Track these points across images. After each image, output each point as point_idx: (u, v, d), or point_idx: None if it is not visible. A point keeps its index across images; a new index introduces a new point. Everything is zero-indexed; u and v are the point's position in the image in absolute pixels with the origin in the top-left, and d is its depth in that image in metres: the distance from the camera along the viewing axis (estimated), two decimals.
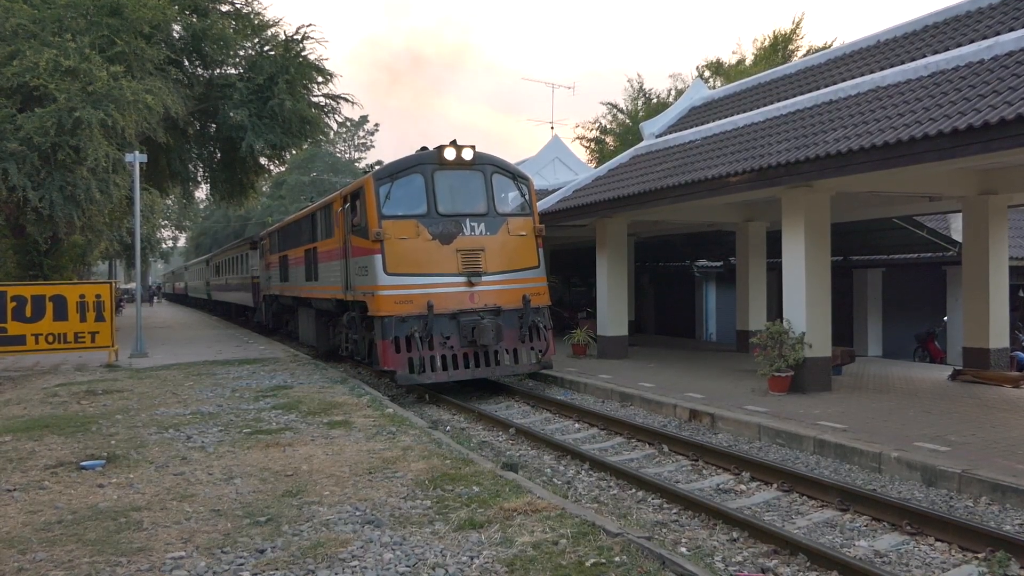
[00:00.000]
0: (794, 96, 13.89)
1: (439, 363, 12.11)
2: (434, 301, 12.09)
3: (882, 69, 12.19)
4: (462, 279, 12.44)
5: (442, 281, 12.33)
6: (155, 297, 69.15)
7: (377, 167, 14.33)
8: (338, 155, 68.94)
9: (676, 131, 17.56)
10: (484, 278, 12.58)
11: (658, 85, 70.71)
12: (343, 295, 14.22)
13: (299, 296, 19.21)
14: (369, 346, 13.43)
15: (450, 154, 12.80)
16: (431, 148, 13.29)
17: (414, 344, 11.98)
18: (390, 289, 12.16)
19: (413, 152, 13.62)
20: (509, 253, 13.00)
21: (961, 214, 13.88)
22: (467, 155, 12.93)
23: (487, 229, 12.85)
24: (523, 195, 13.59)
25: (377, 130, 73.69)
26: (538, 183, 20.46)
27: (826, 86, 13.18)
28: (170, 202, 45.96)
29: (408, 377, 11.96)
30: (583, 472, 8.14)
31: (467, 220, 12.72)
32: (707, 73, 38.91)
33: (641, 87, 40.40)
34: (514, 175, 13.64)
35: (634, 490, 7.42)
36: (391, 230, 12.34)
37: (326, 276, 15.68)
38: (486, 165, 13.22)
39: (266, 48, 23.31)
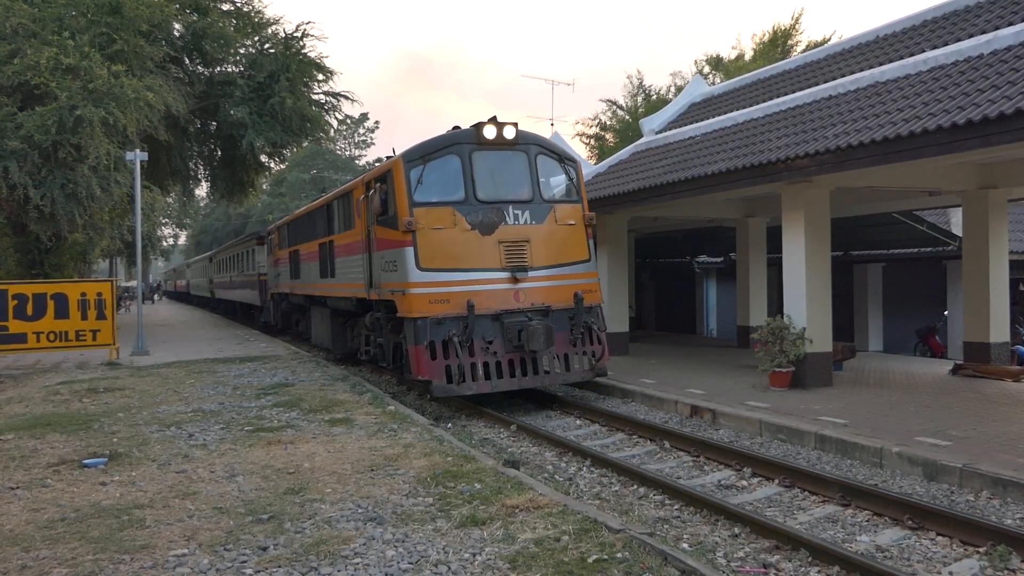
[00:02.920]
0: (793, 92, 13.88)
1: (480, 371, 10.69)
2: (475, 300, 10.66)
3: (881, 64, 12.18)
4: (505, 275, 10.97)
5: (483, 277, 10.89)
6: (156, 295, 69.18)
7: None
8: (338, 153, 69.02)
9: (676, 127, 17.55)
10: (530, 273, 11.11)
11: (658, 81, 70.82)
12: (365, 293, 12.75)
13: (312, 294, 17.65)
14: (395, 351, 12.27)
15: (490, 132, 11.24)
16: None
17: (452, 349, 10.55)
18: (424, 287, 10.69)
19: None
20: (557, 245, 11.50)
21: (961, 209, 13.88)
22: (509, 133, 11.35)
23: (532, 218, 11.34)
24: (571, 179, 12.05)
25: (377, 127, 73.79)
26: None
27: (825, 81, 13.18)
28: (171, 200, 46.02)
29: (446, 388, 10.52)
30: (584, 469, 8.16)
31: (510, 207, 11.20)
32: (706, 68, 38.87)
33: (641, 83, 40.32)
34: (561, 156, 12.10)
35: (636, 486, 7.43)
36: (424, 219, 10.86)
37: (345, 272, 14.28)
38: (530, 145, 11.67)
39: (266, 46, 23.32)
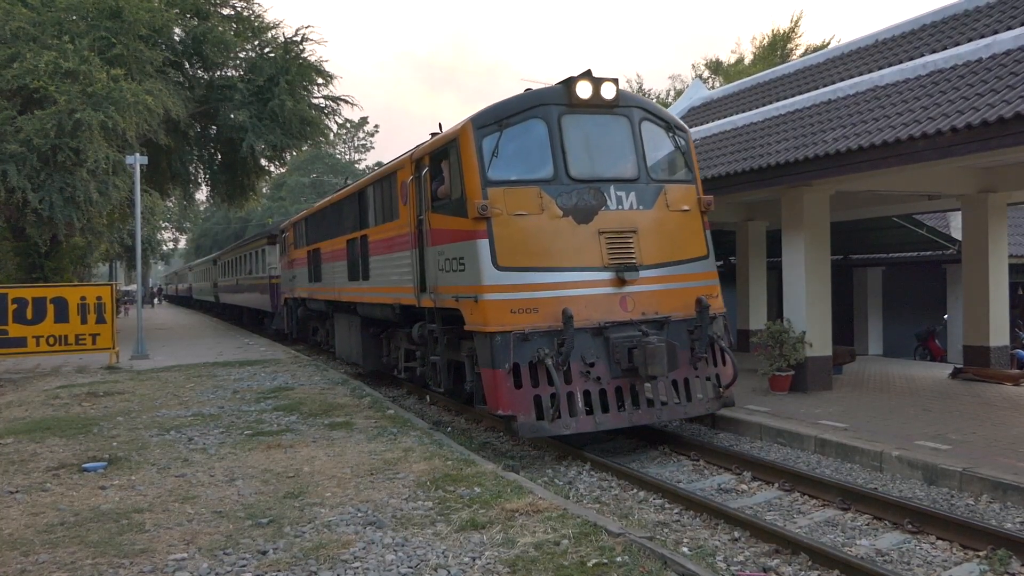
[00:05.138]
0: (793, 96, 13.89)
1: (580, 403, 8.21)
2: (572, 308, 8.17)
3: (880, 68, 12.20)
4: (608, 275, 8.55)
5: (580, 278, 8.46)
6: (156, 299, 69.20)
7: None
8: (338, 157, 69.14)
9: None
10: (641, 273, 8.68)
11: (657, 85, 70.74)
12: (414, 299, 10.38)
13: (337, 300, 15.27)
14: (453, 371, 10.15)
15: (584, 90, 8.81)
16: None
17: (543, 374, 8.12)
18: (503, 291, 8.25)
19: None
20: (670, 236, 9.12)
21: (960, 212, 13.89)
22: (608, 92, 8.92)
23: (639, 201, 8.95)
24: (682, 153, 9.63)
25: (377, 131, 73.91)
26: None
27: (825, 86, 13.19)
28: (170, 204, 46.08)
29: (535, 426, 8.00)
30: (584, 473, 8.15)
31: (611, 188, 8.81)
32: (706, 73, 38.96)
33: (640, 87, 40.45)
34: (669, 124, 9.63)
35: (635, 490, 7.42)
36: (502, 202, 8.42)
37: (383, 273, 11.94)
38: (632, 108, 9.23)
39: (266, 50, 23.40)
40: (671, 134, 9.60)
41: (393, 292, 11.42)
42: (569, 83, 8.87)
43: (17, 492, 6.77)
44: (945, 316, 19.80)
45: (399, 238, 11.06)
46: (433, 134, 10.54)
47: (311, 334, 19.72)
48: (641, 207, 8.97)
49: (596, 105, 8.96)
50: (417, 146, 10.73)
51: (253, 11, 23.69)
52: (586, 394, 8.28)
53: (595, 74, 8.98)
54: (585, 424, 8.17)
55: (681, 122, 9.96)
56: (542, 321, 8.20)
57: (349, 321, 14.83)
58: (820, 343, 11.47)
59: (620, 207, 8.84)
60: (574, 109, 8.88)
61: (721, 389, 9.08)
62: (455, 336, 9.58)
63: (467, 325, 8.69)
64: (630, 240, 8.77)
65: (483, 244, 8.38)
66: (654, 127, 9.46)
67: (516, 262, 8.37)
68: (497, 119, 8.73)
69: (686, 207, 9.34)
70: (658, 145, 9.49)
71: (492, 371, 8.15)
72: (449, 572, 4.75)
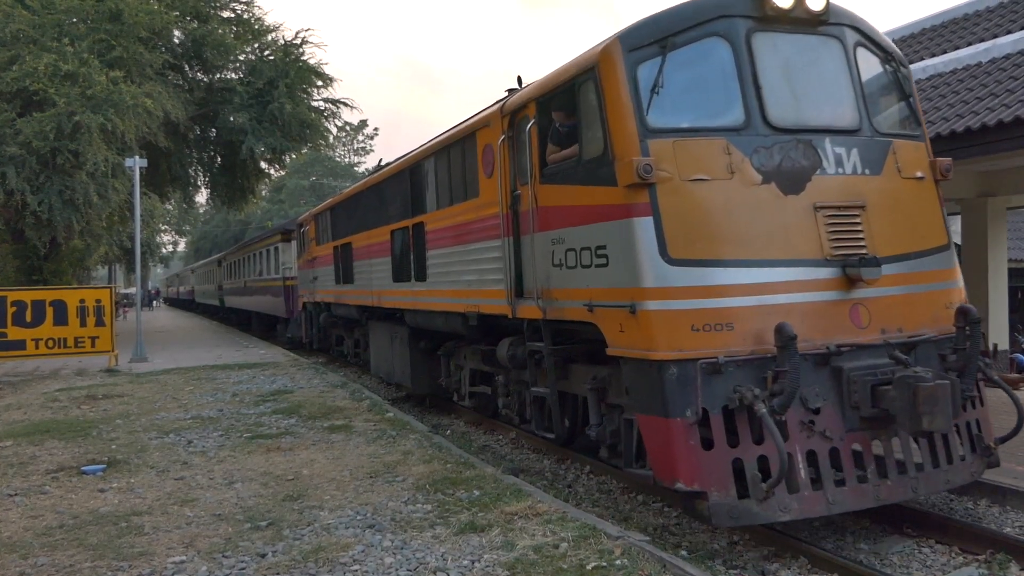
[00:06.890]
0: None
1: (803, 471, 5.31)
2: (788, 323, 5.31)
3: None
4: (831, 272, 5.70)
5: (794, 277, 5.63)
6: (154, 300, 69.18)
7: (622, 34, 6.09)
8: (337, 160, 69.16)
9: None
10: (883, 269, 5.77)
11: None
12: (505, 306, 7.60)
13: (376, 306, 12.47)
14: (553, 406, 7.29)
15: None
16: None
17: (741, 426, 5.32)
18: (679, 297, 5.47)
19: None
20: (907, 216, 6.29)
21: (960, 216, 13.90)
22: (815, 1, 6.06)
23: (863, 163, 6.10)
24: (907, 96, 6.71)
25: (377, 134, 73.91)
26: None
27: None
28: (170, 207, 46.12)
29: (737, 509, 5.18)
30: (584, 476, 8.15)
31: (827, 141, 5.98)
32: None
33: None
34: (889, 53, 6.68)
35: (635, 493, 7.42)
36: (671, 161, 5.64)
37: (449, 272, 9.15)
38: (844, 27, 6.34)
39: (266, 52, 23.45)
40: (892, 67, 6.64)
41: (466, 296, 8.67)
42: None
43: (16, 495, 6.76)
44: None
45: (479, 223, 8.20)
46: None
47: (335, 344, 17.21)
48: (867, 171, 6.13)
49: (798, 20, 6.12)
50: (510, 93, 8.00)
51: (253, 14, 23.79)
52: (810, 456, 5.40)
53: None
54: (813, 505, 5.31)
55: (899, 52, 7.00)
56: (741, 343, 5.43)
57: (391, 332, 12.03)
58: None
59: (840, 170, 6.00)
60: (768, 25, 6.04)
61: (992, 444, 6.23)
62: (561, 357, 7.25)
63: (611, 347, 5.94)
64: (857, 220, 5.93)
65: (643, 225, 5.58)
66: (871, 56, 6.57)
67: (696, 253, 5.57)
68: (657, 37, 5.88)
69: (920, 174, 6.51)
70: (878, 83, 6.63)
71: (664, 421, 5.38)
72: (448, 575, 4.75)
